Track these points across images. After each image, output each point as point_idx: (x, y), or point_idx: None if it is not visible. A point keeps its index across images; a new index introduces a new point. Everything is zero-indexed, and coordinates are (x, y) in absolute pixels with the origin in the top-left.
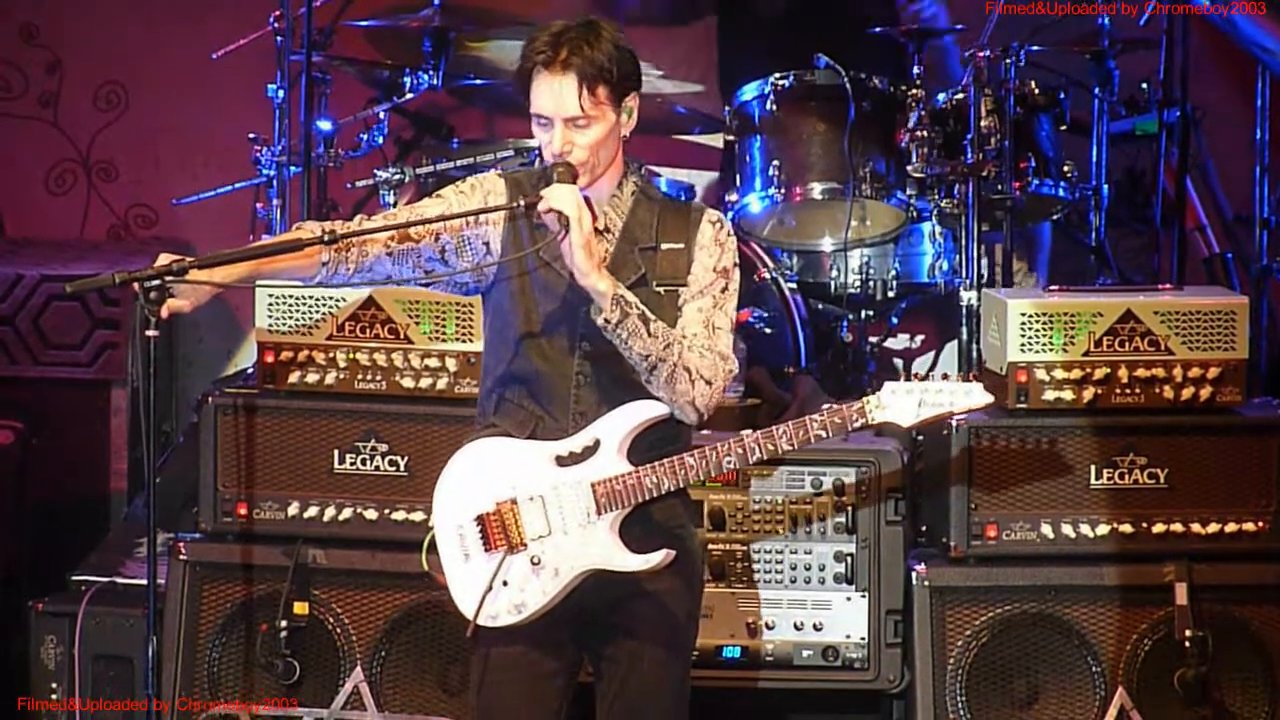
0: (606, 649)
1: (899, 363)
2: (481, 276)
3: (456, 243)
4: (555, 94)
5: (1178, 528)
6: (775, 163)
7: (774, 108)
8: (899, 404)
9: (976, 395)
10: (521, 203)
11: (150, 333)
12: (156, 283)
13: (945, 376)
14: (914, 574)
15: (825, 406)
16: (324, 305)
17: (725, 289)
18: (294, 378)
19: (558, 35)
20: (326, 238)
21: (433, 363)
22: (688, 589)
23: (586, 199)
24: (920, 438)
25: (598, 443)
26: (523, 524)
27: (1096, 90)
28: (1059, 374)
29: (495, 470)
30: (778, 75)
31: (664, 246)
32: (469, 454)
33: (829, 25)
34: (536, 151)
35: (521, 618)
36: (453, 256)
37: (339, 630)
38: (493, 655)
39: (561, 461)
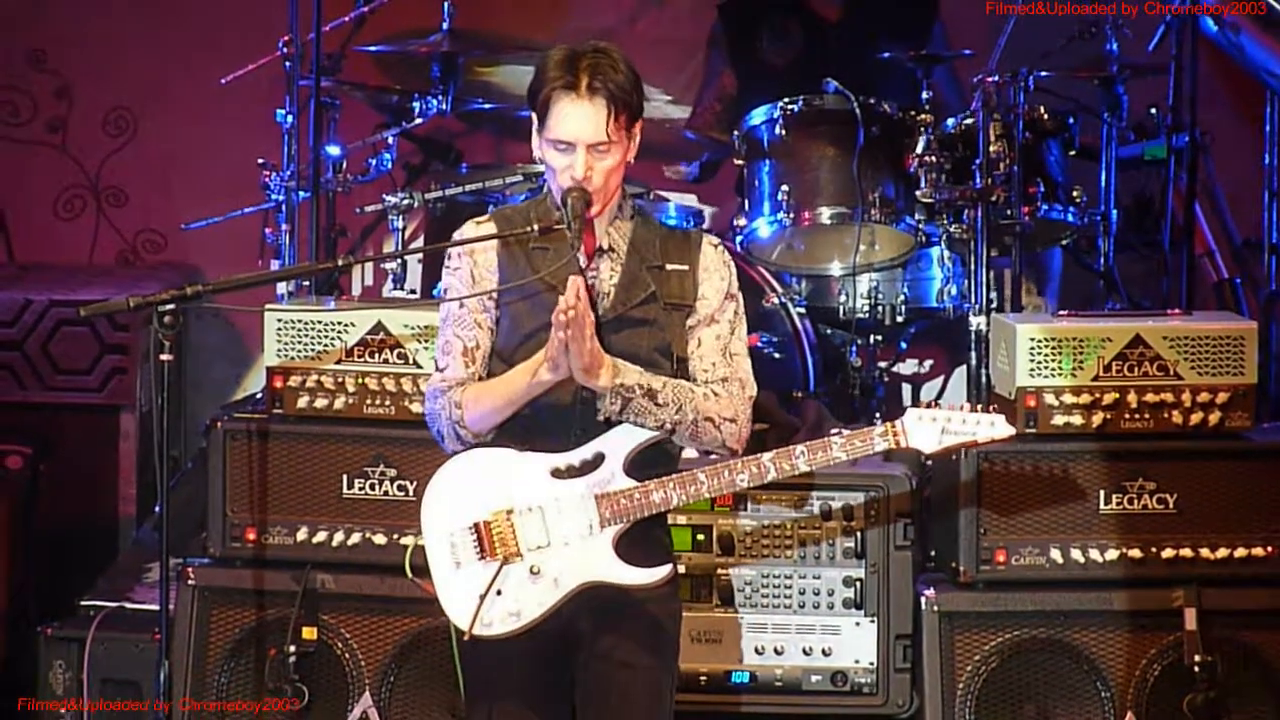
0: (592, 671)
1: (908, 388)
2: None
3: (488, 303)
4: (582, 119)
5: (1187, 553)
6: (784, 187)
7: (783, 132)
8: (922, 431)
9: (1000, 427)
10: (535, 228)
11: (165, 357)
12: (171, 307)
13: (965, 406)
14: (923, 599)
15: (834, 432)
16: (333, 330)
17: (736, 312)
18: (303, 402)
19: (574, 59)
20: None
21: None
22: (677, 611)
23: (590, 221)
24: (929, 462)
25: (600, 457)
26: (520, 534)
27: (1105, 115)
28: (1068, 399)
29: (489, 480)
30: (786, 100)
31: (669, 267)
32: (460, 463)
33: (841, 60)
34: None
35: (517, 626)
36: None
37: (348, 655)
38: (490, 679)
39: (558, 474)
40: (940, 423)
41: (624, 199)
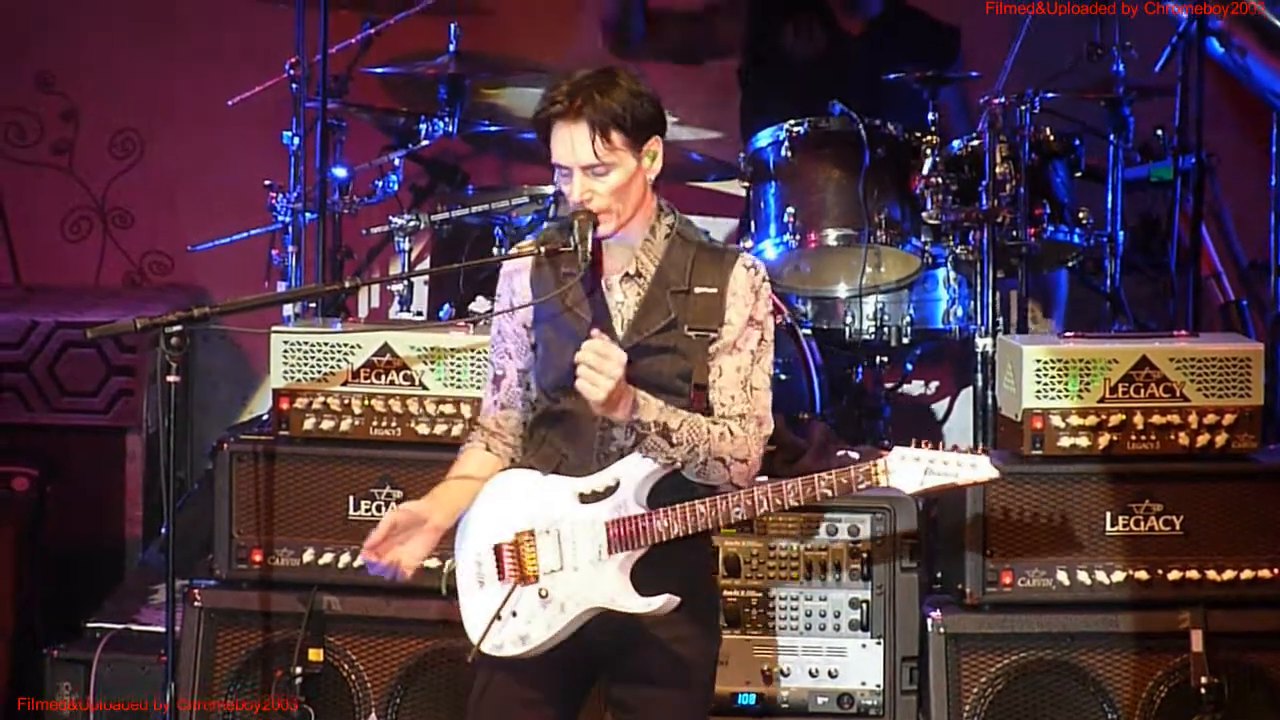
0: (621, 695)
1: (914, 409)
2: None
3: (521, 330)
4: (569, 143)
5: (1193, 574)
6: (790, 209)
7: (789, 154)
8: (905, 471)
9: (983, 469)
10: (542, 249)
11: (171, 379)
12: (178, 329)
13: (956, 448)
14: (929, 621)
15: (839, 451)
16: (339, 352)
17: (761, 341)
18: (309, 424)
19: (573, 85)
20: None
21: (447, 409)
22: (704, 637)
23: (597, 243)
24: None
25: (618, 483)
26: (537, 557)
27: (1112, 137)
28: (1074, 420)
29: (517, 502)
30: (792, 122)
31: (697, 290)
32: (495, 486)
33: (857, 75)
34: (550, 198)
35: (526, 649)
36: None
37: (354, 677)
38: (488, 691)
39: (584, 499)
40: (924, 463)
41: (658, 220)
